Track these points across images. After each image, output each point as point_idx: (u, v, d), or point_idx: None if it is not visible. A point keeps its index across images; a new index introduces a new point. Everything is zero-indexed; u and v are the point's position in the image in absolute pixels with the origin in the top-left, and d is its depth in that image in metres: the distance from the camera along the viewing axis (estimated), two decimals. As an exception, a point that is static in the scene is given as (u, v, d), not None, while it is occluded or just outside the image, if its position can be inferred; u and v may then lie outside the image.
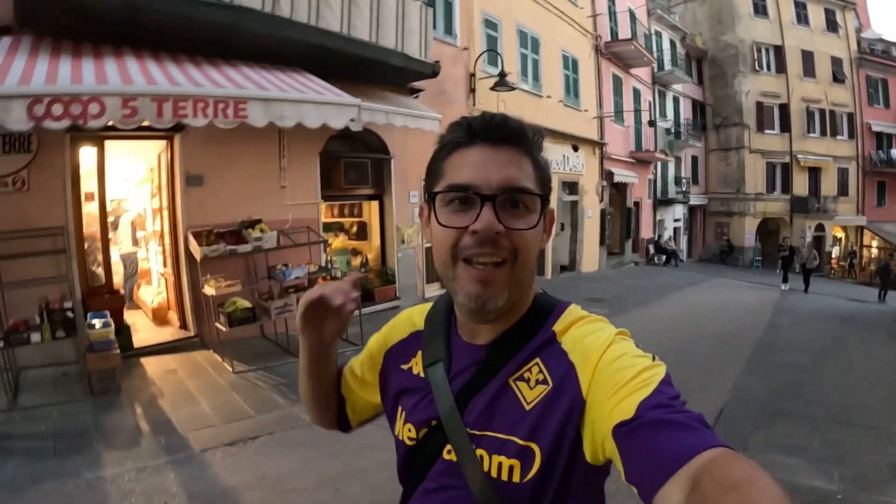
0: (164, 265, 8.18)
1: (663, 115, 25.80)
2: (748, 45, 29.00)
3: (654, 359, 0.85)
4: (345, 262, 9.78)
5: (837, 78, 30.10)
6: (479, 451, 0.90)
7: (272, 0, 6.81)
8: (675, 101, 27.77)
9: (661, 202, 25.77)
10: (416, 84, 10.14)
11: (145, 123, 5.44)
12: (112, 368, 5.55)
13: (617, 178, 19.99)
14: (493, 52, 12.75)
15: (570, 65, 16.97)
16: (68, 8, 5.59)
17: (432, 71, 9.66)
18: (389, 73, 9.14)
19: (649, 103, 23.83)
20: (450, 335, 1.04)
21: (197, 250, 6.66)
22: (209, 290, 6.58)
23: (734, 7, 29.04)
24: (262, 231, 7.23)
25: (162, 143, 7.52)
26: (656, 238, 24.81)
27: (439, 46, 10.40)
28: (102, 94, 4.95)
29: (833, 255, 30.55)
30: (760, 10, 29.33)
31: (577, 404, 0.85)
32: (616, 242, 21.72)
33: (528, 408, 0.89)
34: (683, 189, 27.74)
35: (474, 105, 12.32)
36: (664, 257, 23.94)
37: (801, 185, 29.35)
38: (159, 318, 8.15)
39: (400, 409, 1.06)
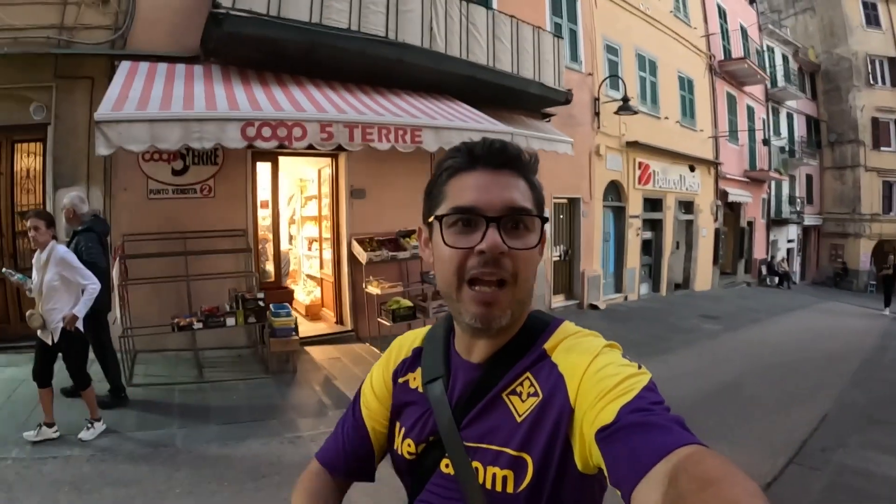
0: (322, 267, 9.34)
1: (777, 132, 25.24)
2: (862, 57, 27.68)
3: (639, 367, 0.88)
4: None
5: None
6: (475, 464, 0.94)
7: (430, 37, 7.81)
8: (789, 117, 27.01)
9: (775, 222, 25.19)
10: (549, 109, 10.94)
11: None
12: (290, 352, 6.62)
13: (731, 198, 19.94)
14: (614, 76, 13.37)
15: (686, 85, 17.30)
16: (257, 43, 6.67)
17: (565, 98, 10.46)
18: (528, 100, 10.06)
19: (763, 121, 23.50)
20: (449, 353, 1.08)
21: (363, 255, 7.71)
22: (373, 290, 7.62)
23: (846, 18, 27.91)
24: (411, 242, 8.21)
25: (326, 160, 8.66)
26: (769, 259, 24.32)
27: (567, 73, 11.09)
28: (304, 120, 6.06)
29: None
30: (873, 20, 27.96)
31: (565, 413, 0.88)
32: (729, 262, 21.56)
33: (519, 420, 0.93)
34: (797, 209, 26.90)
35: (599, 128, 13.00)
36: (777, 279, 23.47)
37: None
38: (312, 313, 9.35)
39: (399, 424, 1.11)
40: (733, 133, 20.36)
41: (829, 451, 5.30)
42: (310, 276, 10.09)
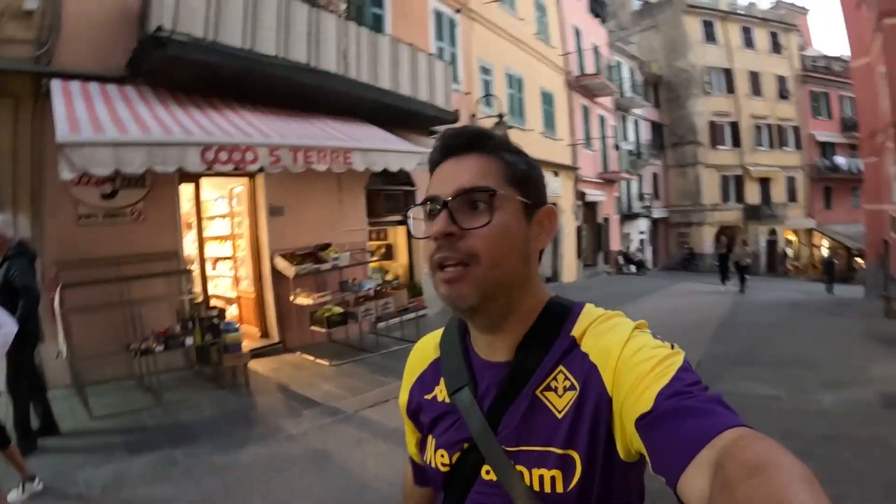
0: (237, 285, 9.61)
1: (625, 137, 28.41)
2: (700, 69, 32.18)
3: (672, 347, 0.86)
4: (380, 277, 11.35)
5: (783, 95, 33.88)
6: (518, 467, 0.90)
7: (344, 64, 8.47)
8: (636, 124, 30.49)
9: (627, 217, 28.17)
10: (435, 127, 11.89)
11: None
12: (243, 365, 6.93)
13: (588, 198, 22.18)
14: (489, 95, 14.60)
15: (548, 100, 19.02)
16: (195, 67, 6.83)
17: (454, 118, 11.44)
18: (423, 121, 10.94)
19: (613, 128, 26.27)
20: (468, 356, 1.04)
21: (290, 269, 8.17)
22: (303, 301, 8.14)
23: (686, 35, 32.22)
24: (335, 253, 8.80)
25: (242, 180, 8.97)
26: (625, 250, 27.10)
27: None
28: (255, 144, 6.52)
29: (788, 257, 34.06)
30: (710, 37, 32.65)
31: (603, 403, 0.86)
32: (590, 255, 23.82)
33: (560, 416, 0.90)
34: (646, 204, 30.39)
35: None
36: (633, 266, 26.12)
37: (753, 195, 32.66)
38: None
39: (430, 438, 1.06)
40: (588, 140, 22.50)
41: (708, 383, 6.75)
42: (215, 296, 10.19)
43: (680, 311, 13.93)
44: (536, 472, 0.89)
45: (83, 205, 6.89)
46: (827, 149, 34.46)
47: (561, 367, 0.93)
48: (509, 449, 0.92)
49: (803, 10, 43.92)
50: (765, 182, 32.96)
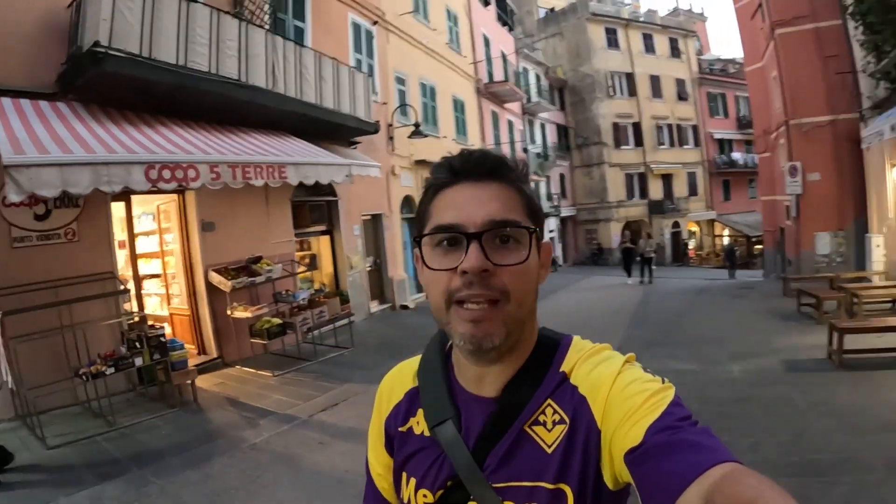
0: (168, 303, 9.47)
1: (533, 140, 29.63)
2: (603, 74, 34.15)
3: (663, 382, 0.85)
4: (309, 287, 11.47)
5: (682, 96, 36.65)
6: (507, 503, 0.88)
7: (273, 80, 8.60)
8: (543, 127, 31.99)
9: (537, 217, 29.45)
10: (356, 138, 12.14)
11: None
12: (190, 382, 6.98)
13: (500, 201, 22.92)
14: (405, 105, 14.97)
15: (459, 107, 19.59)
16: (131, 83, 6.76)
17: (374, 129, 11.75)
18: (346, 132, 11.18)
19: (521, 132, 27.32)
20: (451, 388, 1.00)
21: (226, 283, 8.22)
22: (241, 315, 8.23)
23: (590, 41, 34.04)
24: (267, 265, 8.90)
25: (170, 197, 8.82)
26: (535, 247, 28.36)
27: (369, 104, 12.44)
28: (196, 162, 6.57)
29: (690, 247, 36.73)
30: (613, 43, 34.77)
31: (593, 435, 0.85)
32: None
33: (549, 451, 0.88)
34: (555, 203, 31.68)
35: (393, 150, 14.46)
36: (545, 263, 27.32)
37: (656, 190, 35.11)
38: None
39: (405, 475, 1.01)
40: (498, 145, 23.27)
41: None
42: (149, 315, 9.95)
43: (595, 304, 15.04)
44: None
45: (16, 228, 6.63)
46: (724, 145, 37.77)
47: (550, 401, 0.92)
48: (497, 485, 0.89)
49: (702, 17, 48.06)
50: (667, 178, 35.44)
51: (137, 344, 6.49)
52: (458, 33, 20.01)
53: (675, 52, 36.94)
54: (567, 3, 36.98)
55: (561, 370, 0.94)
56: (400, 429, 1.05)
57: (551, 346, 0.98)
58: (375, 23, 13.86)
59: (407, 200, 15.80)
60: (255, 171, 7.21)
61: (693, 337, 9.83)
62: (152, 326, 7.14)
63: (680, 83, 36.66)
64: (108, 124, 6.78)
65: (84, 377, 6.05)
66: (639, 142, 34.82)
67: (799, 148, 16.74)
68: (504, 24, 25.70)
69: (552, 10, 37.33)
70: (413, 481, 0.99)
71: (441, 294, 0.89)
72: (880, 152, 12.85)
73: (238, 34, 7.96)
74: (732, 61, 39.41)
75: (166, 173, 6.19)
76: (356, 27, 13.06)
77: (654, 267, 20.16)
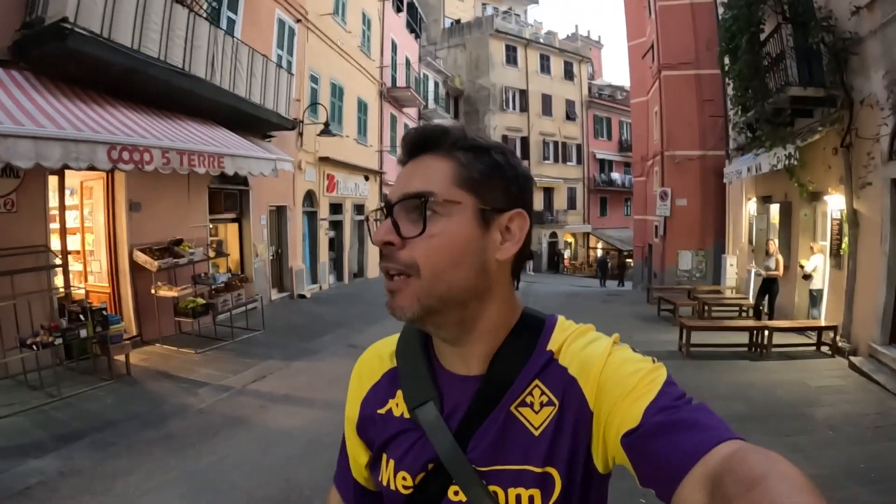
0: (85, 280, 9.46)
1: (425, 145, 30.62)
2: (499, 88, 36.20)
3: (653, 362, 0.84)
4: (215, 270, 11.79)
5: (570, 116, 39.45)
6: (493, 488, 0.85)
7: (212, 71, 9.03)
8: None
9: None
10: (272, 132, 12.67)
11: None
12: (125, 355, 7.28)
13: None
14: (315, 104, 15.52)
15: (363, 108, 20.25)
16: (89, 61, 6.99)
17: (293, 126, 12.36)
18: (265, 126, 11.68)
19: (415, 137, 28.23)
20: (432, 368, 0.96)
21: (153, 263, 8.52)
22: (167, 294, 8.58)
23: (490, 56, 35.93)
24: (189, 248, 9.28)
25: (96, 174, 8.86)
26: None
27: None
28: (150, 146, 6.97)
29: (566, 256, 39.57)
30: (512, 60, 36.90)
31: (584, 417, 0.83)
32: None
33: (537, 433, 0.85)
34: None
35: (301, 146, 14.99)
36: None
37: (537, 202, 36.99)
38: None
39: (385, 457, 0.96)
40: (394, 147, 24.11)
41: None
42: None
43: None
44: (513, 492, 0.84)
45: None
46: (605, 165, 41.00)
47: (537, 382, 0.88)
48: (481, 469, 0.86)
49: (598, 44, 51.97)
50: (548, 191, 37.82)
51: (81, 316, 6.77)
52: (370, 37, 20.67)
53: (569, 74, 39.63)
54: (473, 17, 38.83)
55: (548, 349, 0.91)
56: (379, 411, 1.00)
57: (535, 326, 0.95)
58: (299, 21, 14.35)
59: (309, 195, 16.39)
60: (199, 160, 7.68)
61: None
62: (80, 300, 7.40)
63: (570, 104, 39.43)
64: (66, 100, 6.94)
65: (34, 346, 6.26)
66: (525, 155, 36.72)
67: (670, 176, 19.02)
68: (412, 31, 26.56)
69: (458, 21, 38.93)
70: (392, 463, 0.95)
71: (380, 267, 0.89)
72: (740, 187, 15.08)
73: (186, 24, 8.36)
74: (621, 88, 42.83)
75: (125, 155, 6.58)
76: (281, 23, 13.49)
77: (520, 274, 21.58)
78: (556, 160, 38.50)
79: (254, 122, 11.06)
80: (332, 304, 14.33)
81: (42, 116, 6.09)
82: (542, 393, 0.87)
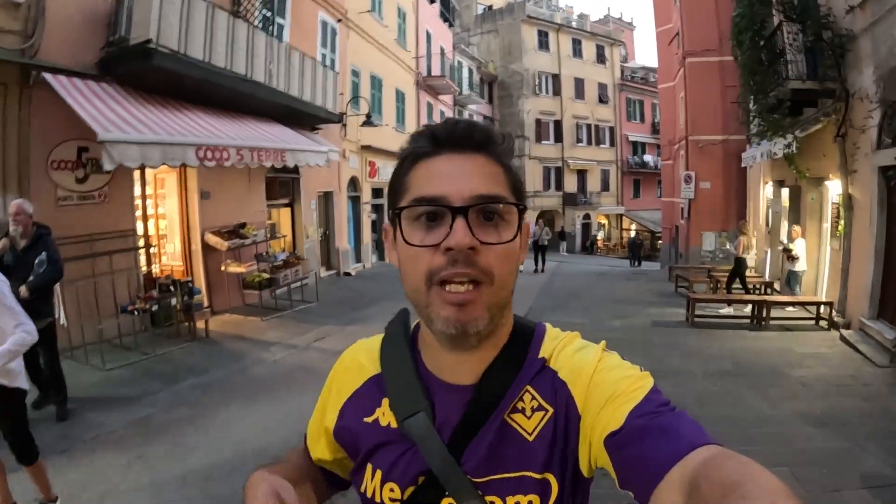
0: (159, 260, 10.78)
1: (462, 131, 31.77)
2: (532, 73, 36.93)
3: (641, 370, 0.86)
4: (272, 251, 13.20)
5: (602, 99, 39.95)
6: (490, 498, 0.84)
7: (269, 76, 10.29)
8: (471, 118, 33.85)
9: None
10: (319, 125, 13.95)
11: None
12: (205, 321, 8.70)
13: (429, 186, 25.19)
14: (358, 97, 16.74)
15: (400, 98, 21.48)
16: (169, 74, 8.15)
17: (339, 119, 13.65)
18: (314, 120, 12.98)
19: (451, 122, 29.41)
20: (420, 376, 0.93)
21: (223, 244, 9.90)
22: (236, 269, 9.97)
23: (522, 42, 36.72)
24: (253, 230, 10.63)
25: (172, 168, 10.30)
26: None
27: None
28: (228, 146, 8.33)
29: (599, 237, 40.38)
30: (544, 45, 37.66)
31: (572, 420, 0.84)
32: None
33: (531, 439, 0.86)
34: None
35: (345, 136, 16.24)
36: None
37: (571, 184, 38.39)
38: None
39: (371, 467, 0.94)
40: (430, 134, 25.36)
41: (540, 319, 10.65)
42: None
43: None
44: (512, 500, 0.84)
45: (61, 188, 7.86)
46: (638, 147, 41.55)
47: (528, 388, 0.88)
48: (478, 480, 0.85)
49: (630, 26, 52.20)
50: (582, 173, 38.82)
51: (171, 288, 8.16)
52: (406, 30, 21.82)
53: (601, 58, 40.16)
54: (505, 2, 39.48)
55: (540, 356, 0.91)
56: (365, 419, 0.96)
57: (527, 333, 0.95)
58: (340, 20, 15.56)
59: (353, 181, 17.73)
60: (266, 155, 9.01)
61: (587, 305, 12.60)
62: (167, 277, 8.80)
63: (602, 87, 39.95)
64: (154, 108, 8.27)
65: (134, 312, 7.69)
66: (558, 138, 37.74)
67: (694, 160, 19.77)
68: (445, 20, 27.58)
69: (490, 7, 39.67)
70: (379, 473, 0.92)
71: (421, 273, 0.83)
72: (758, 171, 15.88)
73: (246, 37, 9.60)
74: (653, 71, 42.57)
75: (209, 154, 7.94)
76: (324, 24, 14.73)
77: (546, 256, 21.34)
78: (588, 143, 39.19)
79: (305, 117, 12.35)
80: (375, 281, 15.71)
81: (139, 124, 7.40)
82: (533, 398, 0.88)
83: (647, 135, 41.70)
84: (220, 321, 9.79)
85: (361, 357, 1.05)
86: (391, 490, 0.90)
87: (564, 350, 0.92)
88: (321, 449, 1.07)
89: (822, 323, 9.85)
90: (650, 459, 0.70)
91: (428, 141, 0.87)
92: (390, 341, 1.01)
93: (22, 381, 3.60)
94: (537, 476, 0.84)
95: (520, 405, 0.88)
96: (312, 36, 14.10)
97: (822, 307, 9.98)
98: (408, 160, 0.88)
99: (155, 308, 7.87)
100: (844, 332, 9.05)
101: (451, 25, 28.89)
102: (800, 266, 11.06)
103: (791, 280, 11.27)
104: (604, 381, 0.83)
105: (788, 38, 10.06)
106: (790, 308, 10.66)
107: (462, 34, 33.21)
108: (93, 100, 7.49)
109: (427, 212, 0.83)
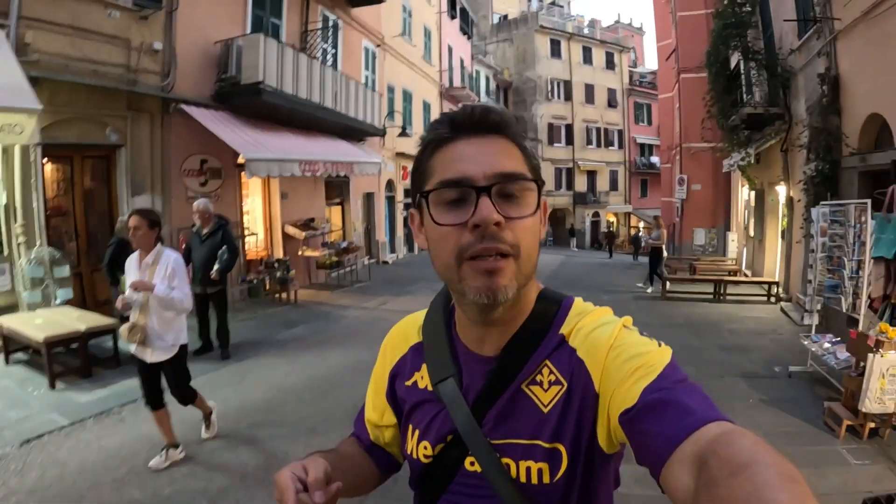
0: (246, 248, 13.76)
1: (479, 136, 34.52)
2: (544, 79, 39.33)
3: (659, 345, 0.88)
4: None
5: (612, 104, 42.36)
6: (505, 460, 0.92)
7: (334, 100, 13.11)
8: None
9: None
10: (365, 138, 16.78)
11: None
12: (295, 291, 11.55)
13: (452, 187, 27.91)
14: (393, 112, 19.61)
15: (427, 108, 24.30)
16: (266, 105, 10.93)
17: (383, 133, 16.58)
18: (362, 133, 15.85)
19: (470, 129, 32.14)
20: (453, 346, 1.03)
21: (301, 234, 12.74)
22: (312, 253, 12.84)
23: (536, 50, 39.18)
24: (321, 223, 13.49)
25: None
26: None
27: (376, 111, 17.11)
28: (320, 160, 11.16)
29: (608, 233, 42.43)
30: (556, 52, 40.07)
31: (589, 398, 0.88)
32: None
33: (546, 410, 0.91)
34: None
35: (384, 145, 19.05)
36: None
37: (581, 184, 40.72)
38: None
39: (411, 427, 1.06)
40: (453, 142, 28.11)
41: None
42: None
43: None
44: (524, 465, 0.91)
45: (189, 190, 10.68)
46: (645, 149, 43.91)
47: (547, 362, 0.93)
48: (495, 442, 0.93)
49: (640, 31, 54.11)
50: (591, 174, 41.20)
51: (275, 265, 11.04)
52: (430, 47, 24.62)
53: (610, 64, 42.54)
54: (519, 12, 42.14)
55: (560, 332, 0.96)
56: (406, 382, 1.09)
57: (552, 307, 1.00)
58: (378, 45, 18.40)
59: (389, 183, 20.68)
60: (341, 167, 11.88)
61: (587, 285, 15.41)
62: (268, 256, 11.70)
63: (611, 92, 42.34)
64: (261, 131, 11.08)
65: (252, 281, 10.70)
66: (569, 141, 40.22)
67: (687, 164, 22.37)
68: (464, 32, 30.26)
69: (505, 17, 42.24)
70: (417, 433, 1.03)
71: (451, 251, 0.87)
72: (737, 176, 18.49)
73: (320, 74, 12.43)
74: (662, 75, 45.12)
75: (307, 167, 10.76)
76: (366, 50, 17.58)
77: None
78: (598, 145, 41.60)
79: (356, 132, 15.19)
80: (410, 267, 18.72)
81: (260, 145, 10.23)
82: (551, 372, 0.93)
83: (654, 137, 43.17)
84: (302, 293, 12.51)
85: (408, 327, 1.17)
86: (424, 447, 1.01)
87: (584, 328, 0.95)
88: (377, 414, 1.16)
89: (773, 300, 12.43)
90: (661, 435, 0.72)
91: (447, 127, 0.91)
92: (431, 315, 1.11)
93: (184, 338, 4.39)
94: (547, 445, 0.90)
95: (538, 378, 0.94)
96: (358, 60, 16.95)
97: (772, 286, 12.63)
98: (430, 146, 0.93)
99: (267, 279, 10.69)
100: (784, 304, 11.68)
101: (469, 38, 31.49)
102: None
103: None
104: (619, 359, 0.86)
105: (745, 73, 12.74)
106: (749, 287, 13.40)
107: (479, 43, 35.60)
108: (219, 125, 10.28)
109: (451, 193, 0.87)
